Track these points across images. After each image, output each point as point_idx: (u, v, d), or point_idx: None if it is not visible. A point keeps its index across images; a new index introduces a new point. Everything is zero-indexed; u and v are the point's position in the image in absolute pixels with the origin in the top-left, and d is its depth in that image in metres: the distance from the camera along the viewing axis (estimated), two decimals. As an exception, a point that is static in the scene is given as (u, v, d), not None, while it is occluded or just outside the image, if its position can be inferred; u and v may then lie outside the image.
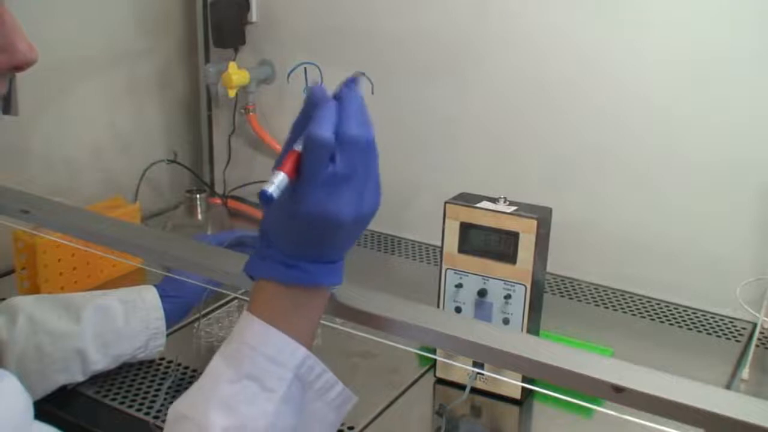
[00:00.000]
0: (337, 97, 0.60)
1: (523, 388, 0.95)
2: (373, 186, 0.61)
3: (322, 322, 1.05)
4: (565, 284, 1.30)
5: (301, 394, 0.62)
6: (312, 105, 0.59)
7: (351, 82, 0.61)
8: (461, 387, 0.96)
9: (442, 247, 0.96)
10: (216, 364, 0.63)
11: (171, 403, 0.93)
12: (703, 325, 1.18)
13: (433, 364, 1.02)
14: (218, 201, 1.60)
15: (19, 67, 0.62)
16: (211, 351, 1.07)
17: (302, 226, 0.59)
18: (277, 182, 0.56)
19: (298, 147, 0.58)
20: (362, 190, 0.60)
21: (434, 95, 1.37)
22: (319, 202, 0.58)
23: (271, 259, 0.62)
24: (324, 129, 0.57)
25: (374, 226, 1.52)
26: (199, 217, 1.49)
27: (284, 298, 0.63)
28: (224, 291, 1.04)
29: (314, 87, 0.60)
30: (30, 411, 0.61)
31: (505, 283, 0.93)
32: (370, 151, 0.60)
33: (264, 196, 0.56)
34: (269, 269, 0.62)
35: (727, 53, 1.12)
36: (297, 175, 0.58)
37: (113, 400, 0.96)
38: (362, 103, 0.61)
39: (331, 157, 0.57)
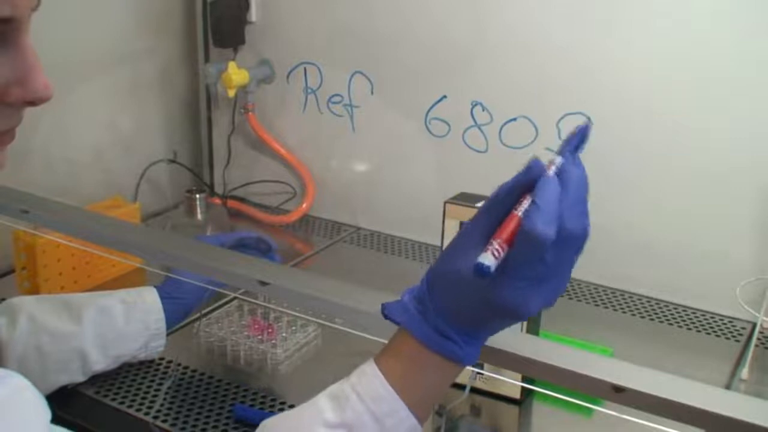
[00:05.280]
0: (559, 168, 0.55)
1: (523, 388, 0.95)
2: (569, 276, 0.57)
3: (321, 321, 1.07)
4: (565, 284, 1.30)
5: None
6: (532, 179, 0.54)
7: (581, 132, 0.55)
8: (461, 387, 0.96)
9: (442, 247, 0.96)
10: (322, 399, 0.61)
11: (171, 403, 0.94)
12: (702, 325, 1.18)
13: (433, 364, 1.01)
14: (218, 201, 1.60)
15: (32, 103, 0.61)
16: (211, 351, 1.08)
17: (484, 310, 0.56)
18: (498, 257, 0.52)
19: (519, 212, 0.53)
20: (561, 284, 0.56)
21: (434, 95, 1.36)
22: (516, 297, 0.54)
23: (430, 323, 0.58)
24: (548, 225, 0.52)
25: (374, 226, 1.53)
26: (199, 217, 1.49)
27: (421, 363, 0.59)
28: (225, 291, 1.04)
29: (535, 162, 0.55)
30: (47, 412, 0.59)
31: (505, 283, 0.93)
32: (583, 244, 0.55)
33: (482, 271, 0.51)
34: (423, 331, 0.58)
35: (726, 55, 1.12)
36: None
37: (113, 400, 0.96)
38: (586, 183, 0.55)
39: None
